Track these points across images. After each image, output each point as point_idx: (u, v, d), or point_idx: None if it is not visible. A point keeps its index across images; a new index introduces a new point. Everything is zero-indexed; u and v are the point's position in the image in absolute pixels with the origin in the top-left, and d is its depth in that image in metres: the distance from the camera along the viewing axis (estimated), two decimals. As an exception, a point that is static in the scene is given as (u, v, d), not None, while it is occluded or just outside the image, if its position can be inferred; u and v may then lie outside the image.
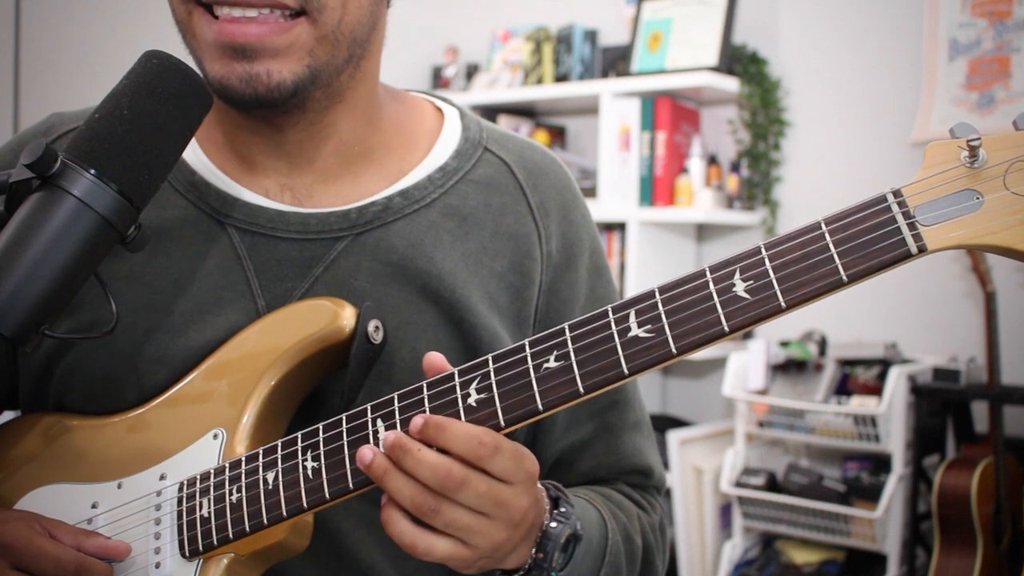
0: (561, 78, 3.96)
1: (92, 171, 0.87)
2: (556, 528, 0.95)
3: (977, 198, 0.78)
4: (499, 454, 0.87)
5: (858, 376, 3.22)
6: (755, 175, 3.64)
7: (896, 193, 0.80)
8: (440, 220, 1.09)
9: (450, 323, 1.07)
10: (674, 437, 3.45)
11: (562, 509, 0.96)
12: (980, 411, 3.17)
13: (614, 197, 3.67)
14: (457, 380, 0.90)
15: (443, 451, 0.87)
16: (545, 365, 0.87)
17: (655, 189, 3.64)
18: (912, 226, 0.79)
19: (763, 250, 0.83)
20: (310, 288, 1.05)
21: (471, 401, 0.89)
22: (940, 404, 3.12)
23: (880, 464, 3.22)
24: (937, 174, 0.79)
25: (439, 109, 1.17)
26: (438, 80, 4.37)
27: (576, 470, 1.15)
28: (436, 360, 0.92)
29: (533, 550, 0.94)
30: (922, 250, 0.78)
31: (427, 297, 1.06)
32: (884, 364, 3.19)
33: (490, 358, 0.90)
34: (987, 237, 0.77)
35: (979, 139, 0.77)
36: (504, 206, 1.12)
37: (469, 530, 0.88)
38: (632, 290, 3.55)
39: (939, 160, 0.79)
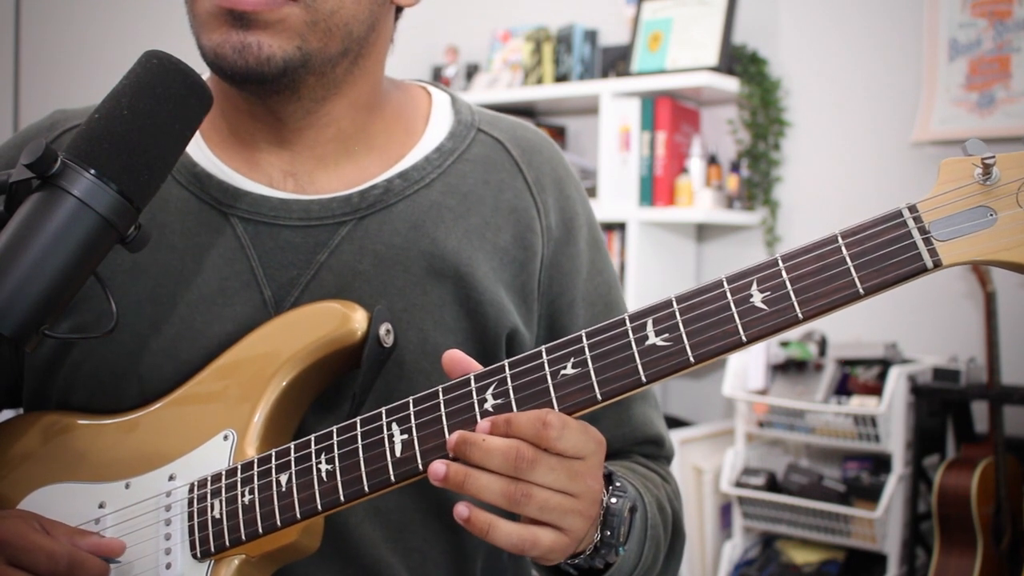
0: (561, 78, 3.96)
1: (92, 171, 0.87)
2: (617, 503, 0.96)
3: (991, 215, 0.79)
4: (567, 430, 0.87)
5: (858, 376, 3.22)
6: (755, 175, 3.64)
7: (912, 208, 0.81)
8: (441, 199, 1.10)
9: (456, 301, 1.07)
10: (674, 437, 3.42)
11: (617, 484, 0.97)
12: (980, 411, 3.17)
13: (614, 197, 3.67)
14: (473, 385, 0.91)
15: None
16: (562, 372, 0.88)
17: (655, 189, 3.64)
18: (928, 241, 0.80)
19: (780, 262, 0.84)
20: (315, 275, 1.06)
21: (488, 407, 0.89)
22: (940, 404, 3.13)
23: (880, 464, 3.22)
24: (951, 190, 0.80)
25: (430, 94, 1.19)
26: (438, 80, 4.37)
27: None
28: (456, 357, 0.92)
29: (598, 530, 0.94)
30: (937, 265, 0.80)
31: (432, 276, 1.07)
32: (884, 364, 3.19)
33: (506, 364, 0.90)
34: (1001, 253, 0.78)
35: (993, 157, 0.79)
36: (502, 182, 1.13)
37: (561, 510, 0.88)
38: (632, 290, 3.55)
39: (953, 176, 0.81)
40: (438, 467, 0.87)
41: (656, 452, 1.20)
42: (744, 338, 0.83)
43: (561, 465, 0.87)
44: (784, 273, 0.83)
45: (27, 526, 0.95)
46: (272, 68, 1.00)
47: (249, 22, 0.98)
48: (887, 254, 0.81)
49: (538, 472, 0.86)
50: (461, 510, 0.87)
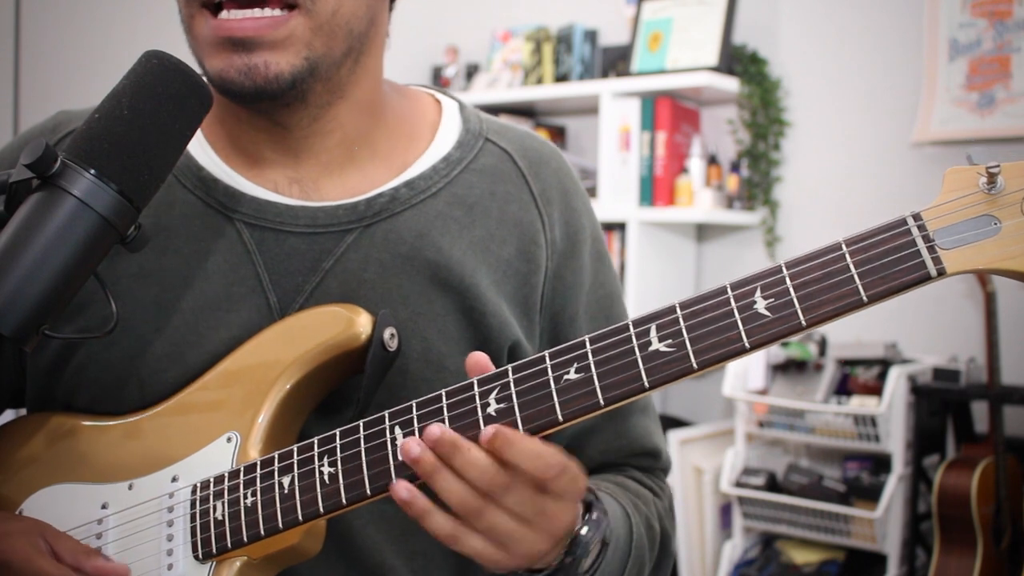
0: (561, 78, 3.96)
1: (92, 171, 0.87)
2: (587, 534, 0.96)
3: (995, 224, 0.79)
4: (564, 474, 0.87)
5: (858, 376, 3.22)
6: (755, 175, 3.64)
7: (916, 217, 0.81)
8: (447, 209, 1.10)
9: (459, 311, 1.07)
10: (674, 437, 3.46)
11: (594, 516, 0.97)
12: (980, 411, 3.17)
13: (614, 197, 3.67)
14: (476, 390, 0.90)
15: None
16: (565, 377, 0.88)
17: (655, 189, 3.64)
18: (932, 249, 0.80)
19: (784, 268, 0.84)
20: (320, 282, 1.05)
21: (491, 411, 0.89)
22: (940, 404, 3.13)
23: (880, 464, 3.23)
24: (956, 199, 0.80)
25: (438, 101, 1.18)
26: (438, 80, 4.38)
27: (586, 454, 1.15)
28: (480, 360, 0.92)
29: (563, 553, 0.95)
30: (941, 273, 0.80)
31: (436, 286, 1.07)
32: (884, 364, 3.19)
33: (509, 368, 0.90)
34: (1005, 262, 0.78)
35: (998, 166, 0.79)
36: (508, 194, 1.13)
37: (509, 536, 0.88)
38: (632, 290, 3.55)
39: (958, 185, 0.81)
40: (412, 447, 0.87)
41: (652, 464, 1.20)
42: (747, 345, 0.83)
43: (533, 499, 0.88)
44: (788, 280, 0.83)
45: (32, 549, 0.95)
46: (281, 84, 1.00)
47: (253, 45, 0.98)
48: (891, 262, 0.81)
49: (508, 497, 0.87)
50: (401, 492, 0.87)
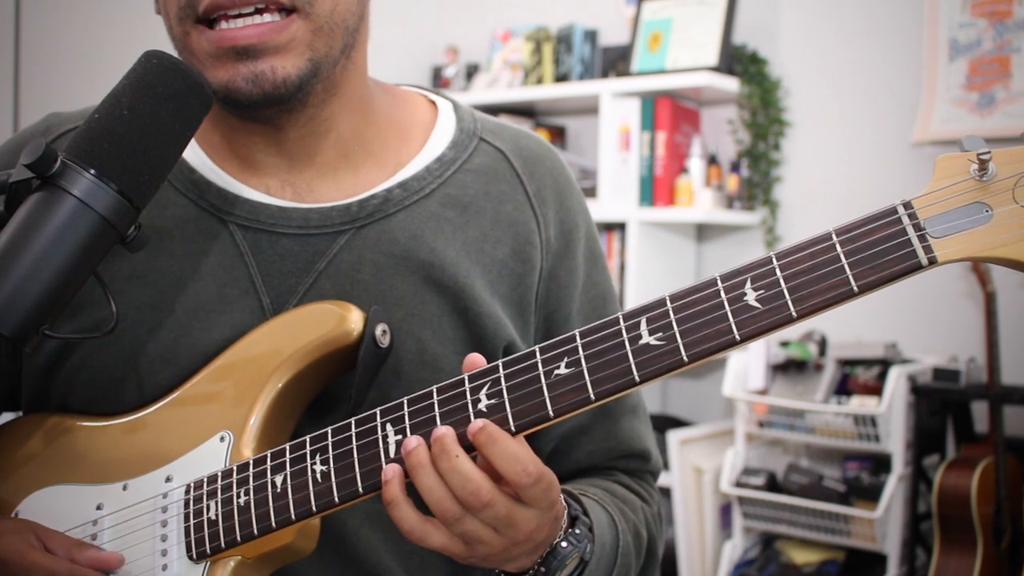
0: (561, 78, 3.96)
1: (92, 171, 0.87)
2: (566, 548, 0.96)
3: (987, 211, 0.78)
4: (537, 485, 0.87)
5: (858, 376, 3.22)
6: (755, 175, 3.64)
7: (907, 205, 0.80)
8: (440, 210, 1.10)
9: (454, 312, 1.07)
10: (674, 437, 3.45)
11: (577, 531, 0.97)
12: (980, 411, 3.17)
13: (614, 197, 3.67)
14: (467, 386, 0.90)
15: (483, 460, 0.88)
16: (556, 372, 0.88)
17: (655, 189, 3.64)
18: (923, 238, 0.79)
19: (774, 260, 0.83)
20: (314, 283, 1.05)
21: (482, 407, 0.89)
22: (940, 404, 3.13)
23: (880, 464, 3.22)
24: (947, 187, 0.79)
25: (432, 102, 1.18)
26: (438, 80, 4.38)
27: (574, 456, 1.16)
28: (476, 362, 0.92)
29: (538, 561, 0.95)
30: (932, 262, 0.79)
31: (431, 287, 1.07)
32: (884, 364, 3.19)
33: (500, 364, 0.90)
34: (997, 250, 0.77)
35: (989, 153, 0.77)
36: (502, 194, 1.13)
37: (477, 539, 0.89)
38: (632, 290, 3.55)
39: (949, 173, 0.79)
40: (412, 440, 0.88)
41: (641, 467, 1.19)
42: (738, 337, 0.82)
43: (508, 513, 0.88)
44: (778, 271, 0.82)
45: (25, 543, 0.95)
46: (289, 87, 1.00)
47: (257, 52, 0.98)
48: (881, 251, 0.80)
49: (483, 513, 0.87)
50: (388, 472, 0.89)
